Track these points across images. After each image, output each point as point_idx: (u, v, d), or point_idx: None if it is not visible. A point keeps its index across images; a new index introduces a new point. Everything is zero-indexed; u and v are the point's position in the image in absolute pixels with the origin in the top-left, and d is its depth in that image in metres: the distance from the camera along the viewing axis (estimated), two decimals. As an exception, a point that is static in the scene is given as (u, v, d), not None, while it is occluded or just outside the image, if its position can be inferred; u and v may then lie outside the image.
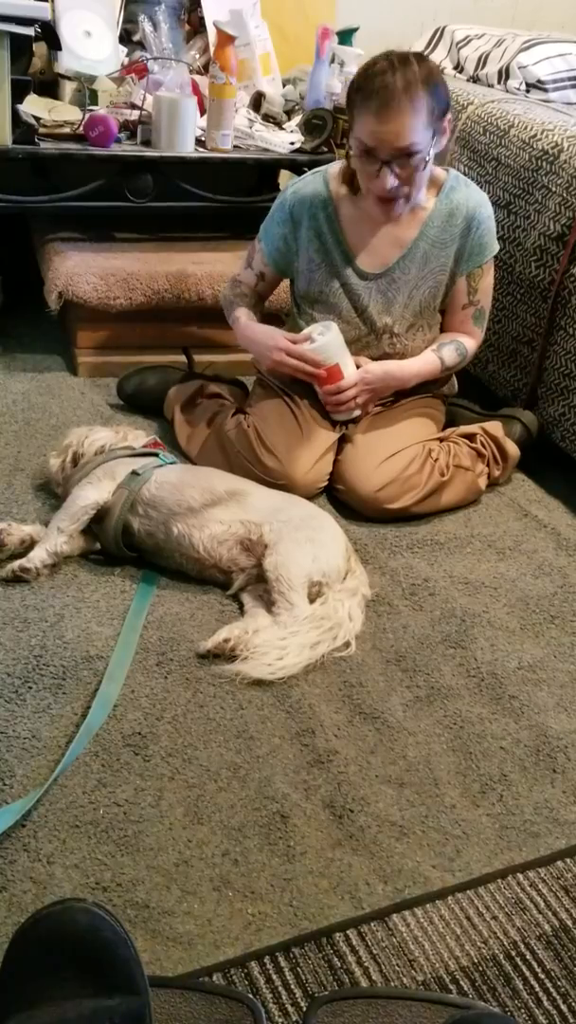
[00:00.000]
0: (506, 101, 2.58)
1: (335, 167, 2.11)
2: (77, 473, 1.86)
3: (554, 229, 2.21)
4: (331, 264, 2.10)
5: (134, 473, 1.81)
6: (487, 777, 1.43)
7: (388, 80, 1.81)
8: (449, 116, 1.94)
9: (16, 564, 1.72)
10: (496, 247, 2.11)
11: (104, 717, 1.44)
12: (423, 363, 2.12)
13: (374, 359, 2.11)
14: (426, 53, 3.16)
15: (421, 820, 1.35)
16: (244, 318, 2.18)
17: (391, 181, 1.90)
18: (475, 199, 2.06)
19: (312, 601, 1.69)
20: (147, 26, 2.69)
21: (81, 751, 1.38)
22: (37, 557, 1.73)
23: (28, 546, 1.77)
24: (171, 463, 1.91)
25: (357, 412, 2.11)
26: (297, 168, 2.65)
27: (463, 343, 2.15)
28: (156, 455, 1.90)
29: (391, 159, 1.88)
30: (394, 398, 2.18)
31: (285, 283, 2.27)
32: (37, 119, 2.42)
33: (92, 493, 1.78)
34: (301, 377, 2.06)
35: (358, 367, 2.08)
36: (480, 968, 1.16)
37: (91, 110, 2.50)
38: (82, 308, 2.52)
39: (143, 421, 2.34)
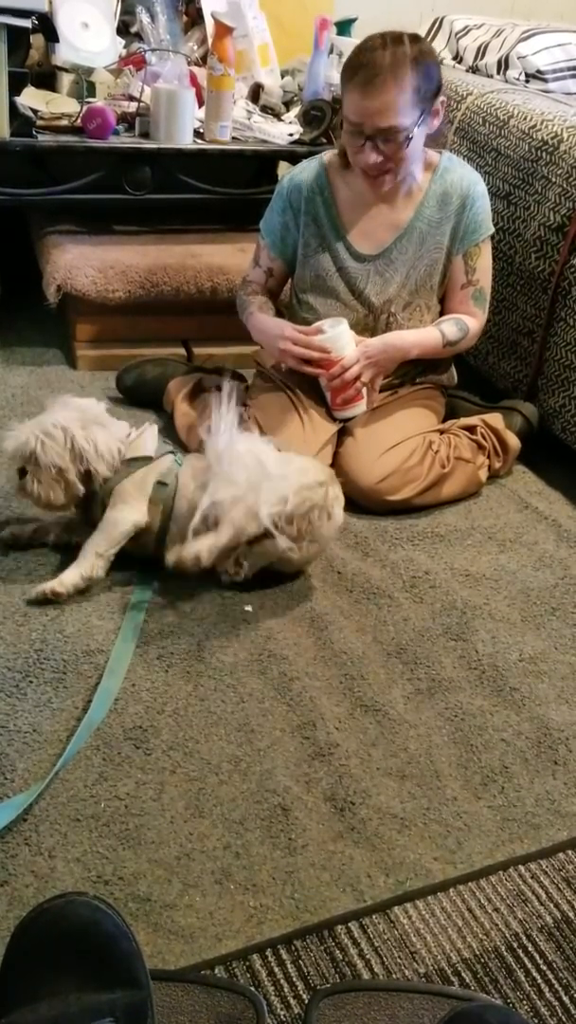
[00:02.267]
0: (505, 91, 2.57)
1: (330, 153, 2.13)
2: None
3: (554, 220, 2.20)
4: (327, 248, 2.11)
5: (160, 483, 1.73)
6: (488, 769, 1.43)
7: (376, 56, 1.85)
8: (442, 98, 1.96)
9: (48, 587, 1.65)
10: (491, 228, 2.13)
11: (105, 712, 1.44)
12: (423, 334, 2.12)
13: None
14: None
15: (422, 812, 1.35)
16: (256, 311, 2.18)
17: (373, 157, 1.93)
18: (469, 178, 2.08)
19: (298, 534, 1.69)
20: (145, 17, 2.68)
21: (82, 745, 1.37)
22: (70, 581, 1.66)
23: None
24: (179, 463, 1.81)
25: (362, 408, 2.09)
26: (296, 160, 2.64)
27: (464, 320, 2.15)
28: (172, 453, 1.80)
29: (374, 136, 1.90)
30: (399, 381, 2.17)
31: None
32: (35, 111, 2.41)
33: (130, 515, 1.70)
34: (307, 371, 2.05)
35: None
36: (482, 960, 1.16)
37: (89, 102, 2.49)
38: (81, 301, 2.52)
39: (142, 414, 2.33)
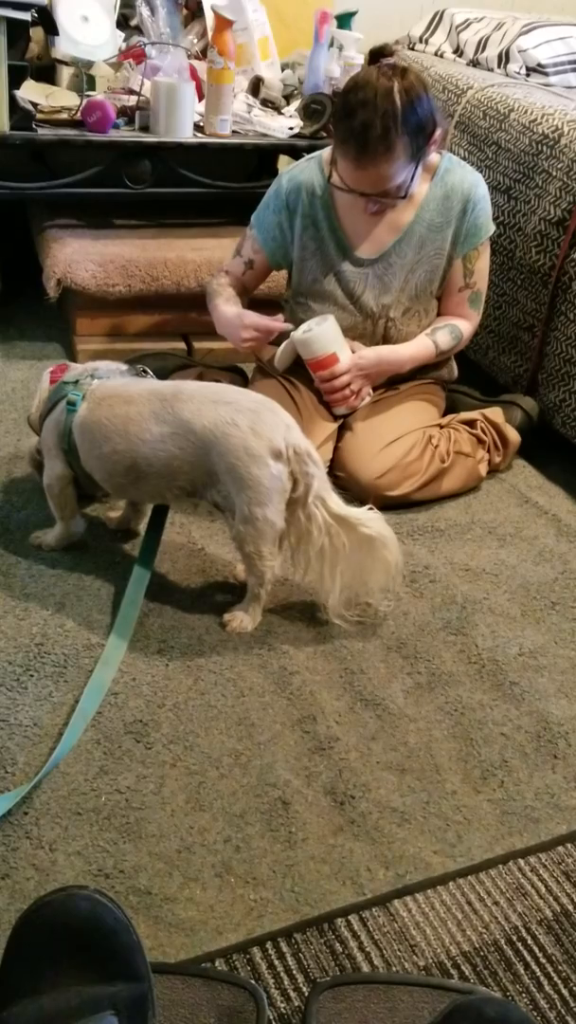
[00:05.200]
0: (506, 85, 2.57)
1: (329, 152, 2.10)
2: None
3: (554, 214, 2.20)
4: (325, 252, 2.09)
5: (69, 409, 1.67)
6: (488, 763, 1.44)
7: (366, 120, 1.81)
8: (439, 131, 1.93)
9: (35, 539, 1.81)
10: (492, 228, 2.10)
11: (98, 702, 1.44)
12: (417, 347, 2.11)
13: (371, 346, 2.11)
14: (425, 37, 3.14)
15: (422, 806, 1.35)
16: (221, 304, 2.15)
17: (371, 208, 1.99)
18: (470, 180, 2.06)
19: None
20: (145, 11, 2.68)
21: (77, 737, 1.38)
22: (52, 540, 1.80)
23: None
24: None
25: (357, 403, 2.09)
26: (296, 153, 2.64)
27: (458, 326, 2.14)
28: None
29: (371, 195, 1.94)
30: (390, 384, 2.17)
31: (282, 271, 2.26)
32: (34, 105, 2.40)
33: (53, 470, 1.74)
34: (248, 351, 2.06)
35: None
36: (481, 953, 1.16)
37: (89, 96, 2.48)
38: (81, 295, 2.52)
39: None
